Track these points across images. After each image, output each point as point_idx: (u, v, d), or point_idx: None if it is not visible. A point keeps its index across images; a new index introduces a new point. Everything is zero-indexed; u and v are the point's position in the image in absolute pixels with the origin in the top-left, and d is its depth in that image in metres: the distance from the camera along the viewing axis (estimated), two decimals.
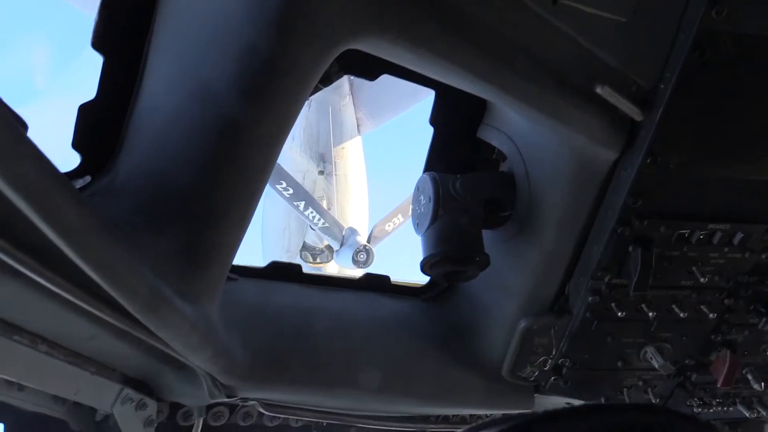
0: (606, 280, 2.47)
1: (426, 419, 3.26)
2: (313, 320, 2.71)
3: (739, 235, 2.40)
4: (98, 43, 1.92)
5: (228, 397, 2.51)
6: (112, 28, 1.91)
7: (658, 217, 2.32)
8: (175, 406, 2.90)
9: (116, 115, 2.02)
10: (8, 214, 1.40)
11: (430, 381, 2.90)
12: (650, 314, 2.54)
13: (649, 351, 2.72)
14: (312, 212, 16.11)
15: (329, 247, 17.69)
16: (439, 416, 3.30)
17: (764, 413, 3.07)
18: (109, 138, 2.02)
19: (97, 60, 1.97)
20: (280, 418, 3.16)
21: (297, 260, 18.29)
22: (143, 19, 1.92)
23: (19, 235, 1.49)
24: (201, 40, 1.81)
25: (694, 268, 2.47)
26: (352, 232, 17.04)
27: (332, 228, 16.72)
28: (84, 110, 2.00)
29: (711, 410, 3.08)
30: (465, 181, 2.47)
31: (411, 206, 2.64)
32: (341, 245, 16.95)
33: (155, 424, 2.69)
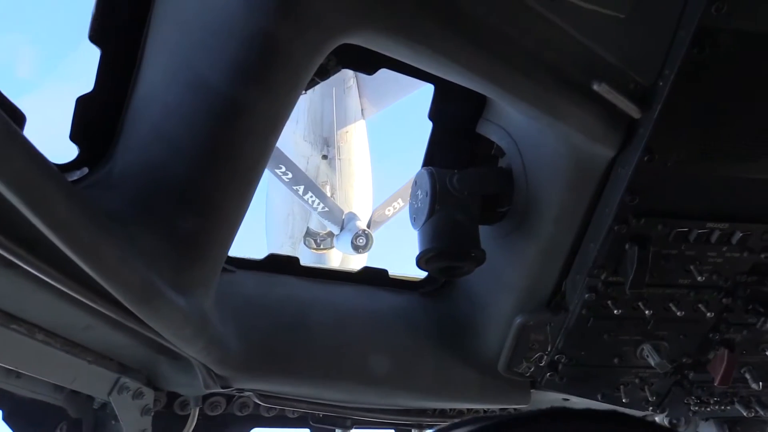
0: (602, 277, 2.46)
1: (422, 413, 3.27)
2: (310, 313, 2.72)
3: (738, 235, 2.39)
4: (95, 36, 1.92)
5: (223, 387, 2.53)
6: (109, 21, 1.91)
7: (656, 215, 2.30)
8: (173, 396, 2.93)
9: (113, 107, 2.02)
10: (2, 207, 1.41)
11: (427, 375, 2.91)
12: (647, 312, 2.53)
13: (646, 349, 2.72)
14: (311, 197, 15.92)
15: (332, 234, 17.50)
16: (435, 410, 3.32)
17: (762, 412, 3.06)
18: (107, 130, 2.03)
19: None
20: (276, 408, 3.18)
21: (300, 246, 18.29)
22: (140, 12, 1.92)
23: (13, 227, 1.50)
24: (197, 33, 1.81)
25: (691, 267, 2.45)
26: (352, 216, 16.86)
27: (332, 212, 16.54)
28: (81, 102, 2.01)
29: (708, 409, 3.08)
30: (462, 176, 2.46)
31: (409, 200, 2.63)
32: (341, 230, 16.78)
33: (152, 413, 2.72)
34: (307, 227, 18.19)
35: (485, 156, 2.75)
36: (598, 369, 2.82)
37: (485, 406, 3.28)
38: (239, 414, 3.16)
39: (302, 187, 15.58)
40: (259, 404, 3.04)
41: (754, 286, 2.58)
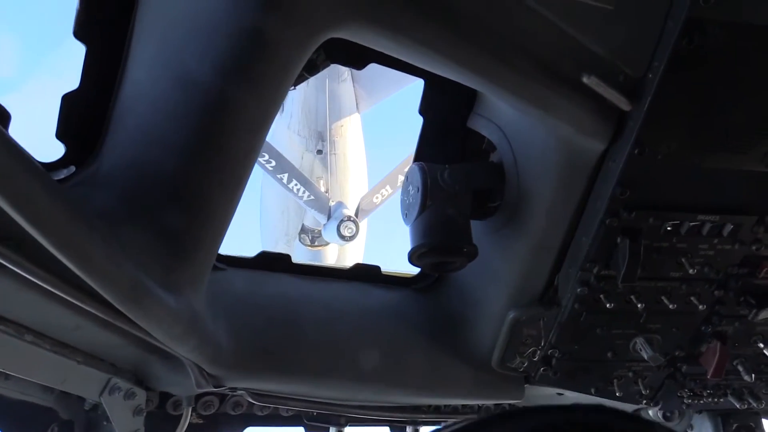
0: (594, 271, 2.46)
1: (416, 409, 3.27)
2: (302, 310, 2.70)
3: (729, 227, 2.39)
4: (80, 33, 1.90)
5: (215, 386, 2.52)
6: (94, 17, 1.89)
7: (647, 208, 2.30)
8: (165, 396, 2.91)
9: (100, 105, 2.00)
10: None
11: (420, 371, 2.90)
12: (639, 305, 2.54)
13: (639, 342, 2.72)
14: (296, 185, 15.49)
15: None
16: (429, 406, 3.31)
17: (755, 404, 3.07)
18: (93, 127, 2.01)
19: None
20: (270, 407, 3.17)
21: (295, 243, 18.17)
22: (125, 8, 1.90)
23: None
24: (183, 28, 1.80)
25: (683, 260, 2.45)
26: (340, 205, 16.45)
27: (318, 200, 16.09)
28: (67, 100, 1.99)
29: (701, 401, 3.08)
30: (453, 171, 2.45)
31: (400, 196, 2.62)
32: (328, 218, 16.34)
33: (144, 413, 2.70)
34: (302, 224, 17.93)
35: (476, 150, 2.74)
36: (591, 363, 2.82)
37: (479, 402, 3.28)
38: (232, 413, 3.15)
39: (286, 174, 15.17)
40: (253, 403, 3.02)
41: (745, 278, 2.58)
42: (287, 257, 2.90)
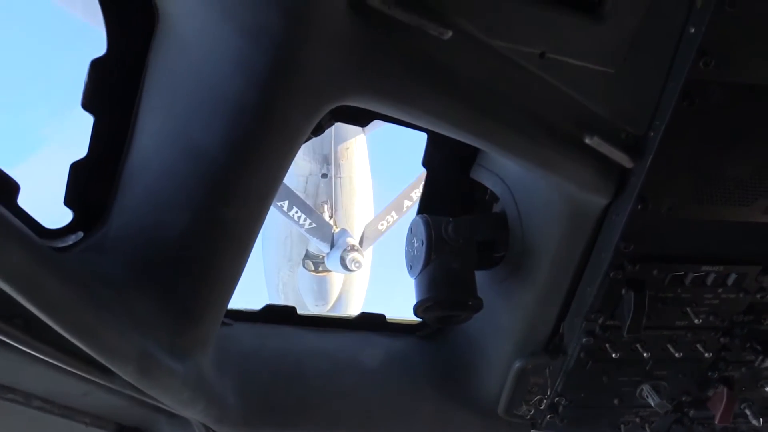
0: (600, 321, 2.46)
1: None
2: (308, 363, 2.71)
3: (733, 276, 2.40)
4: (88, 104, 1.93)
5: None
6: (102, 88, 1.92)
7: (651, 261, 2.31)
8: None
9: (107, 172, 2.02)
10: None
11: (426, 420, 2.89)
12: (645, 354, 2.54)
13: (645, 389, 2.72)
14: (297, 212, 14.89)
15: None
16: None
17: None
18: (101, 194, 2.03)
19: None
20: None
21: (299, 269, 17.97)
22: (132, 79, 1.93)
23: (5, 306, 1.50)
24: (191, 99, 1.82)
25: (688, 309, 2.46)
26: (343, 233, 15.92)
27: (320, 229, 15.47)
28: (75, 168, 2.01)
29: None
30: (457, 224, 2.47)
31: (404, 248, 2.64)
32: (331, 247, 15.78)
33: None
34: (307, 249, 17.45)
35: (480, 201, 2.76)
36: (598, 410, 2.82)
37: None
38: None
39: (286, 202, 14.65)
40: None
41: (750, 325, 2.59)
42: (293, 309, 2.91)
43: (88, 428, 2.32)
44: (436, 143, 2.64)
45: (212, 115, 1.79)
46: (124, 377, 1.77)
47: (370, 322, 3.01)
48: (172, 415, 2.47)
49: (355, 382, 2.78)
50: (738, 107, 2.01)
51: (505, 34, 1.85)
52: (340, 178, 16.40)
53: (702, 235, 2.29)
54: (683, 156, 2.09)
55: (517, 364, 2.70)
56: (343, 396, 2.73)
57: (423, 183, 2.75)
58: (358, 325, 3.01)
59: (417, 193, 16.00)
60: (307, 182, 16.30)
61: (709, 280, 2.39)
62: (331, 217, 16.43)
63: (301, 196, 15.76)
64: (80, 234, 2.05)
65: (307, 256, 17.71)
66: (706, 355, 2.61)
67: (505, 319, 2.71)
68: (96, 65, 1.88)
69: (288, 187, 14.88)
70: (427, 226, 2.47)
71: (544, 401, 2.79)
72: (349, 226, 16.45)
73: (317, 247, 16.79)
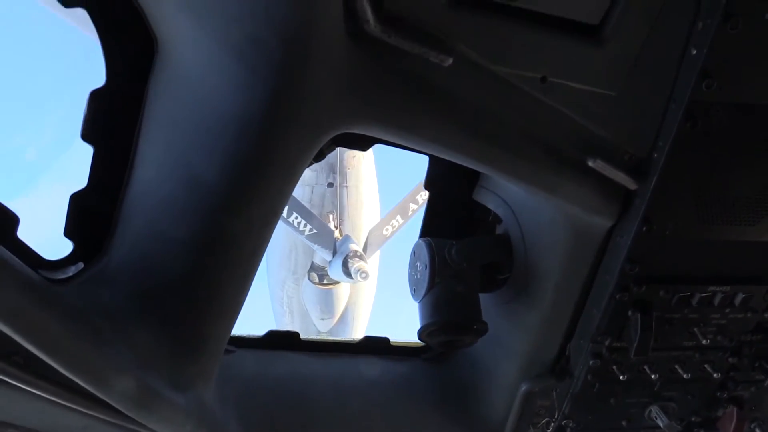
0: (606, 343, 2.44)
1: None
2: (311, 390, 2.68)
3: (740, 296, 2.38)
4: (88, 135, 1.92)
5: None
6: (102, 120, 1.91)
7: (657, 282, 2.29)
8: None
9: (107, 203, 2.01)
10: None
11: None
12: (653, 376, 2.51)
13: (654, 410, 2.69)
14: (297, 218, 14.42)
15: None
16: None
17: None
18: (101, 225, 2.02)
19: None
20: None
21: (304, 282, 17.82)
22: (132, 110, 1.92)
23: (3, 344, 1.49)
24: (190, 128, 1.81)
25: (695, 329, 2.44)
26: (347, 239, 15.47)
27: (320, 235, 14.96)
28: (75, 199, 1.99)
29: None
30: (461, 247, 2.45)
31: (408, 270, 2.62)
32: (333, 254, 15.34)
33: None
34: (312, 262, 17.21)
35: (483, 222, 2.74)
36: None
37: None
38: None
39: (285, 208, 14.15)
40: None
41: (759, 344, 2.56)
42: (296, 335, 2.89)
43: None
44: (438, 166, 2.63)
45: (212, 145, 1.77)
46: (125, 411, 1.75)
47: (374, 346, 2.98)
48: None
49: (360, 407, 2.75)
50: (741, 127, 2.01)
51: (506, 60, 1.85)
52: (347, 187, 16.13)
53: (708, 256, 2.27)
54: (687, 177, 2.07)
55: (523, 387, 2.67)
56: (348, 421, 2.70)
57: (426, 205, 2.74)
58: (361, 349, 2.98)
59: (423, 197, 15.62)
60: (312, 192, 16.04)
61: (716, 300, 2.37)
62: (336, 227, 16.11)
63: (306, 206, 15.42)
64: (80, 265, 2.03)
65: (312, 268, 17.40)
66: (715, 375, 2.58)
67: (510, 340, 2.68)
68: (95, 96, 1.87)
69: None
70: (431, 249, 2.45)
71: (552, 424, 2.76)
72: (356, 237, 16.14)
73: (322, 258, 16.44)
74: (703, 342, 2.44)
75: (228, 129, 1.74)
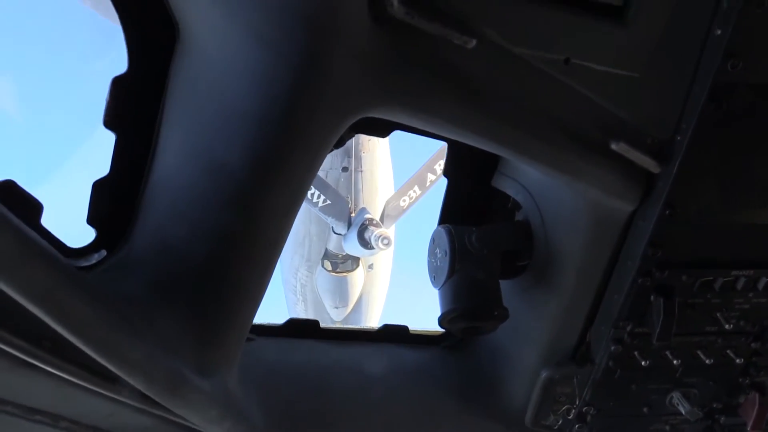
0: (628, 329, 2.43)
1: None
2: (332, 377, 2.69)
3: (764, 280, 2.36)
4: (110, 122, 1.93)
5: None
6: (124, 107, 1.91)
7: (679, 266, 2.28)
8: None
9: (130, 190, 2.02)
10: (22, 311, 1.41)
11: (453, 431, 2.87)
12: (675, 361, 2.50)
13: (675, 397, 2.67)
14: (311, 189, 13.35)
15: (353, 258, 16.28)
16: None
17: None
18: (123, 213, 2.03)
19: None
20: None
21: (318, 269, 17.79)
22: (154, 97, 1.92)
23: (32, 328, 1.50)
24: (213, 115, 1.81)
25: (718, 315, 2.42)
26: (362, 212, 14.86)
27: (335, 206, 14.29)
28: (98, 186, 2.01)
29: None
30: (481, 234, 2.44)
31: (427, 257, 2.61)
32: (348, 227, 14.72)
33: None
34: (326, 248, 17.03)
35: (502, 209, 2.73)
36: (627, 419, 2.77)
37: None
38: None
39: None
40: None
41: None
42: (315, 323, 2.89)
43: None
44: (456, 152, 2.62)
45: (235, 131, 1.77)
46: (152, 396, 1.76)
47: (394, 334, 2.98)
48: None
49: (380, 395, 2.76)
50: (766, 108, 1.97)
51: (528, 41, 1.83)
52: (362, 171, 15.81)
53: (731, 239, 2.26)
54: (711, 159, 2.06)
55: (544, 374, 2.66)
56: (368, 409, 2.71)
57: (444, 192, 2.72)
58: (381, 337, 2.98)
59: (440, 166, 14.96)
60: (327, 177, 15.70)
61: (740, 285, 2.35)
62: (351, 212, 15.80)
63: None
64: (103, 252, 2.05)
65: (326, 255, 17.24)
66: (737, 360, 2.57)
67: (530, 327, 2.67)
68: (117, 83, 1.87)
69: None
70: (450, 236, 2.44)
71: (573, 411, 2.75)
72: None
73: (337, 245, 16.09)
74: (726, 327, 2.42)
75: (251, 115, 1.73)
